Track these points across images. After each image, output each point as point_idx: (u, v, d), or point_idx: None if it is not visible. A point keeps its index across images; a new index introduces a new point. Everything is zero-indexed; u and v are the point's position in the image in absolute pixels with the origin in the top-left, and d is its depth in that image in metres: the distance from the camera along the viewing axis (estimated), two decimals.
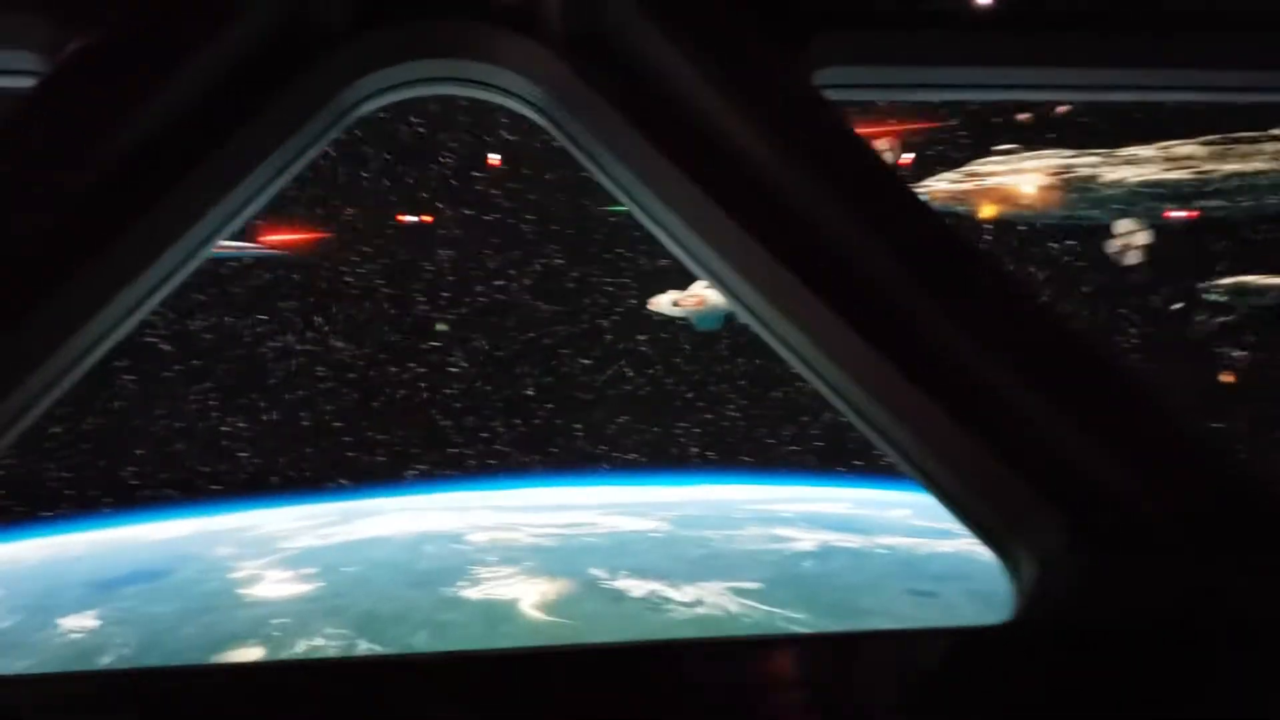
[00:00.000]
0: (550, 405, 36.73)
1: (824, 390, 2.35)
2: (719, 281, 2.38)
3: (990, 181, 24.19)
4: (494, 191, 34.57)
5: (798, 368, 2.37)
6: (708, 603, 20.57)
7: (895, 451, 2.30)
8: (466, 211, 34.64)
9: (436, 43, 2.33)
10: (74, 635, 19.16)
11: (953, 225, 2.27)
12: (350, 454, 34.43)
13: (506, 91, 2.44)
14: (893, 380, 2.17)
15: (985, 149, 24.98)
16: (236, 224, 2.33)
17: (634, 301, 33.61)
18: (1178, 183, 23.13)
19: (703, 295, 25.56)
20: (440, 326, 35.41)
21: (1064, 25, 2.48)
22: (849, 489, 31.03)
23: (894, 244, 2.18)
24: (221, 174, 2.17)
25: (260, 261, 32.09)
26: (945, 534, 22.84)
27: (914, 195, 2.26)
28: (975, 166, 24.55)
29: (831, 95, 2.33)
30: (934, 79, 2.60)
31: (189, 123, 2.11)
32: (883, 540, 25.50)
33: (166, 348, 31.61)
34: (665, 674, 1.98)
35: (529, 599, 20.89)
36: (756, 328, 2.39)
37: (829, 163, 2.22)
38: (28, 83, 2.10)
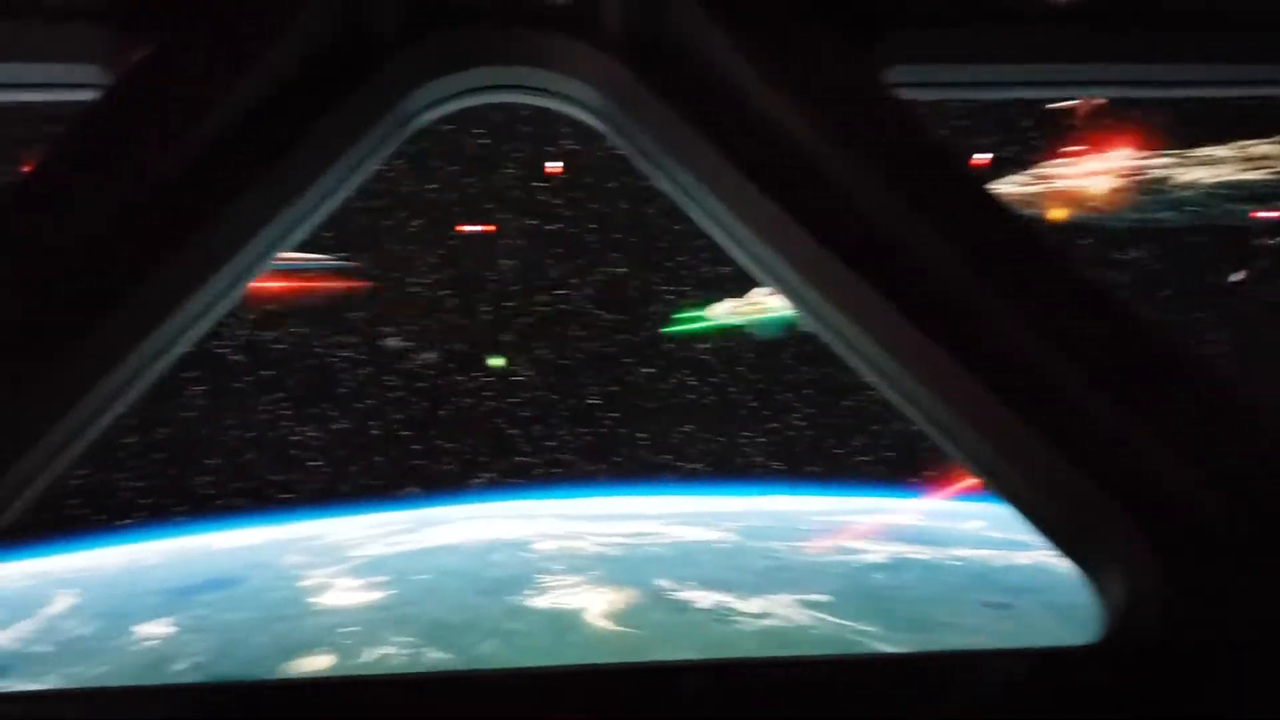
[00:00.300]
0: (615, 414, 36.84)
1: (894, 398, 2.28)
2: (785, 287, 2.32)
3: (1060, 184, 23.76)
4: (556, 200, 34.81)
5: (867, 375, 2.30)
6: (776, 615, 20.37)
7: (969, 460, 2.22)
8: (529, 220, 34.91)
9: (493, 50, 2.30)
10: (149, 643, 19.57)
11: (1030, 227, 2.18)
12: (418, 463, 34.90)
13: (566, 98, 2.40)
14: (966, 387, 2.10)
15: (1055, 150, 24.54)
16: (299, 235, 2.33)
17: (695, 310, 33.63)
18: (1256, 183, 22.50)
19: (762, 302, 25.39)
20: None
21: (1138, 20, 2.39)
22: (921, 500, 30.61)
23: (968, 247, 2.10)
24: (282, 185, 2.17)
25: (328, 272, 32.65)
26: (1021, 545, 22.34)
27: (991, 196, 2.17)
28: (1044, 168, 24.12)
29: (903, 94, 2.26)
30: (1006, 76, 2.53)
31: (249, 134, 2.11)
32: (956, 552, 25.05)
33: (237, 358, 32.32)
34: (734, 694, 1.92)
35: (595, 608, 20.88)
36: (824, 334, 2.33)
37: (901, 164, 2.14)
38: (92, 95, 2.12)
